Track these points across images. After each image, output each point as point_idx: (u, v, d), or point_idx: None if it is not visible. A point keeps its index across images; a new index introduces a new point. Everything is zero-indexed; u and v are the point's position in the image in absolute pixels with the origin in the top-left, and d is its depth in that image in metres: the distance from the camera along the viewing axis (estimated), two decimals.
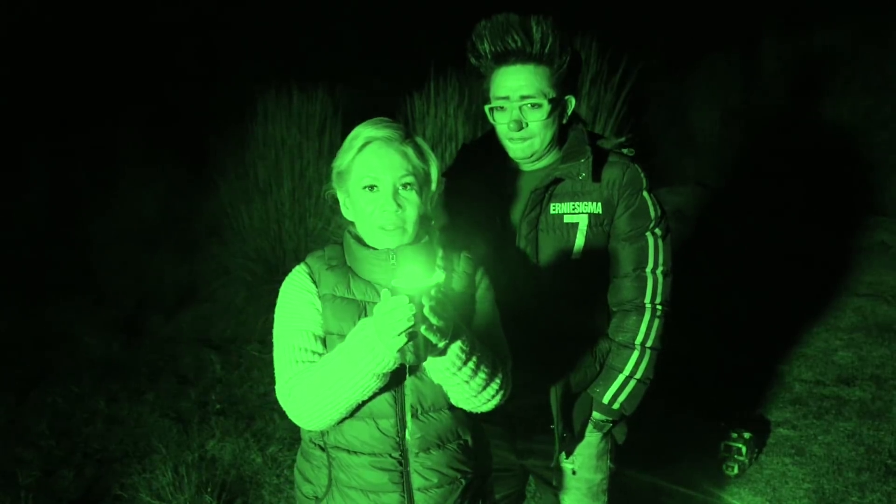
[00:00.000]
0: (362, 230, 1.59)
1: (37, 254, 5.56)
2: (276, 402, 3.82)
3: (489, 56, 1.84)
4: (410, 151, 1.56)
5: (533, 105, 1.83)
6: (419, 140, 1.60)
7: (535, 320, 1.85)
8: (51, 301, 5.11)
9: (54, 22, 7.74)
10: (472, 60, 1.90)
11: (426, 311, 1.33)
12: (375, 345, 1.39)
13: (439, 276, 1.34)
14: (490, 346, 1.57)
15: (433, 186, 1.61)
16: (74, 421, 3.79)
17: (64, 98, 6.93)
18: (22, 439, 3.61)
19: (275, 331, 1.60)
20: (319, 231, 4.82)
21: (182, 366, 4.42)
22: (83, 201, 6.00)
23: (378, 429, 1.55)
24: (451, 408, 1.60)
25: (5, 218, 5.79)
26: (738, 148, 7.00)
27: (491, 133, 2.02)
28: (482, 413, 1.61)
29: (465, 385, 1.50)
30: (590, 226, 1.90)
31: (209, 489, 3.13)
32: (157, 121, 6.67)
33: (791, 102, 7.09)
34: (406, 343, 1.37)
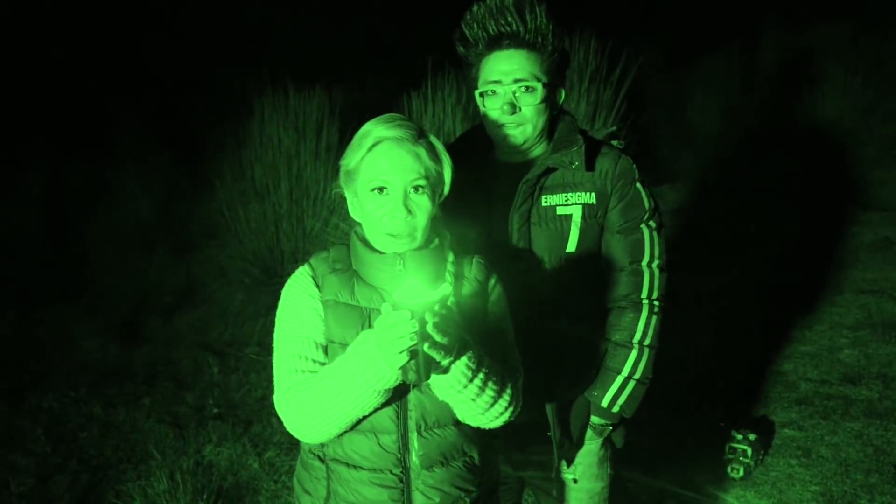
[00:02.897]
0: (369, 233, 1.52)
1: (32, 256, 5.51)
2: (273, 405, 3.78)
3: (481, 41, 1.80)
4: (423, 152, 1.47)
5: (527, 88, 1.78)
6: (433, 139, 1.52)
7: (528, 320, 1.77)
8: (46, 304, 5.07)
9: (51, 23, 7.71)
10: (461, 49, 1.85)
11: (429, 327, 1.24)
12: (376, 360, 1.32)
13: (445, 288, 1.26)
14: (500, 359, 1.49)
15: (446, 188, 1.54)
16: (70, 426, 3.74)
17: (60, 100, 6.90)
18: (16, 445, 3.56)
19: (275, 335, 1.53)
20: (317, 232, 4.77)
21: (179, 370, 4.36)
22: (79, 204, 5.96)
23: (379, 444, 1.48)
24: (457, 423, 1.52)
25: (0, 221, 5.75)
26: (738, 144, 6.95)
27: (474, 129, 1.98)
28: (490, 429, 1.54)
29: (471, 402, 1.43)
30: (584, 217, 1.85)
31: (205, 496, 3.08)
32: (154, 122, 6.63)
33: (791, 98, 7.05)
34: (408, 361, 1.29)
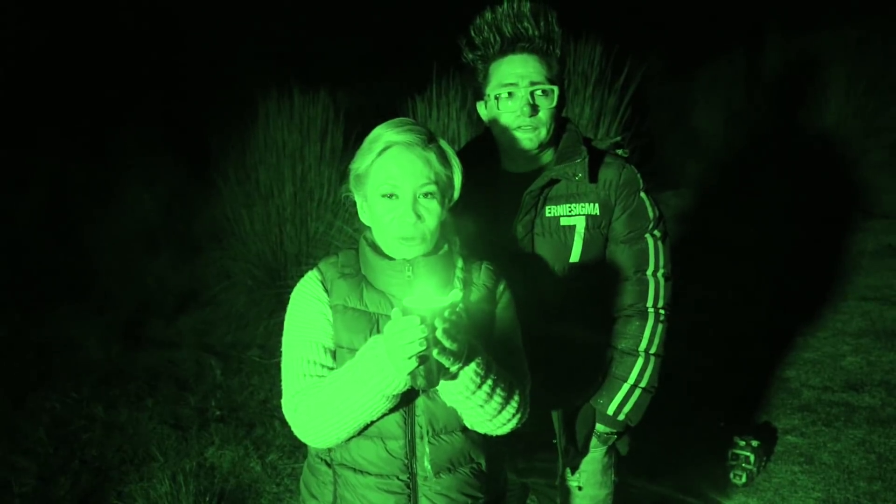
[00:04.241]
0: (379, 237, 1.52)
1: (36, 258, 5.53)
2: (276, 408, 3.78)
3: (494, 45, 1.80)
4: (433, 157, 1.48)
5: (543, 92, 1.79)
6: (443, 144, 1.52)
7: (532, 329, 1.77)
8: (50, 306, 5.08)
9: (57, 23, 7.73)
10: (468, 54, 1.85)
11: (439, 333, 1.24)
12: (385, 365, 1.32)
13: (455, 295, 1.26)
14: (508, 365, 1.49)
15: (456, 193, 1.54)
16: (72, 428, 3.75)
17: (65, 102, 6.91)
18: (19, 446, 3.56)
19: (284, 339, 1.54)
20: (321, 235, 4.77)
21: (182, 371, 4.37)
22: (83, 205, 5.97)
23: (386, 450, 1.48)
24: (465, 430, 1.52)
25: (5, 222, 5.76)
26: (742, 150, 6.95)
27: (478, 139, 1.98)
28: (498, 436, 1.54)
29: (479, 409, 1.43)
30: (587, 228, 1.85)
31: (207, 498, 3.08)
32: (158, 124, 6.64)
33: (795, 104, 7.05)
34: (417, 366, 1.29)
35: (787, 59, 7.41)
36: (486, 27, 1.80)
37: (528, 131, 1.81)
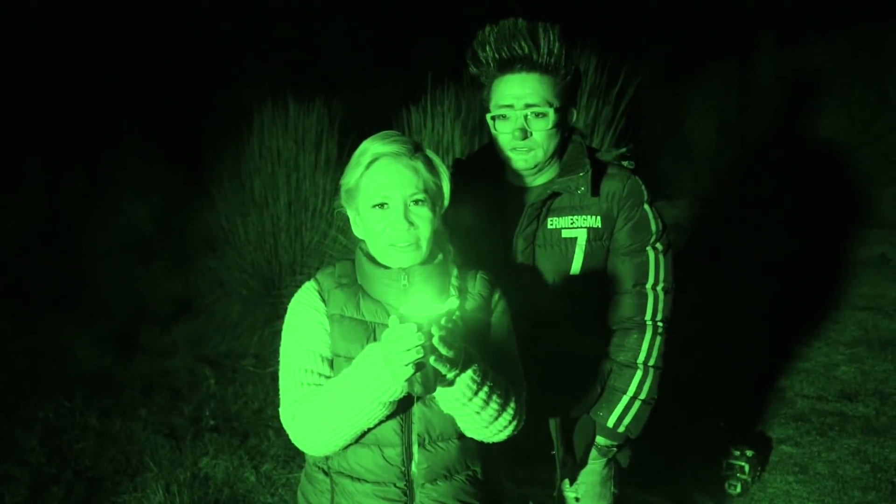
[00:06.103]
0: (374, 249, 1.54)
1: (30, 266, 5.51)
2: (270, 418, 3.76)
3: (493, 63, 1.78)
4: (420, 166, 1.50)
5: (538, 114, 1.77)
6: (429, 153, 1.55)
7: (532, 340, 1.78)
8: (43, 313, 5.06)
9: (52, 32, 7.73)
10: (473, 69, 1.84)
11: (435, 341, 1.26)
12: (382, 373, 1.33)
13: (451, 302, 1.28)
14: (504, 373, 1.51)
15: (446, 200, 1.56)
16: (65, 437, 3.73)
17: (59, 110, 6.91)
18: (11, 456, 3.54)
19: (282, 349, 1.55)
20: (316, 245, 4.77)
21: (176, 380, 4.36)
22: (78, 213, 5.96)
23: (383, 457, 1.49)
24: (461, 437, 1.53)
25: None
26: (735, 160, 6.99)
27: (485, 148, 1.97)
28: (494, 443, 1.55)
29: (475, 416, 1.44)
30: (588, 240, 1.85)
31: None
32: (153, 133, 6.63)
33: (787, 115, 7.09)
34: (414, 373, 1.31)
35: (779, 70, 7.46)
36: (486, 45, 1.78)
37: (521, 153, 1.80)
